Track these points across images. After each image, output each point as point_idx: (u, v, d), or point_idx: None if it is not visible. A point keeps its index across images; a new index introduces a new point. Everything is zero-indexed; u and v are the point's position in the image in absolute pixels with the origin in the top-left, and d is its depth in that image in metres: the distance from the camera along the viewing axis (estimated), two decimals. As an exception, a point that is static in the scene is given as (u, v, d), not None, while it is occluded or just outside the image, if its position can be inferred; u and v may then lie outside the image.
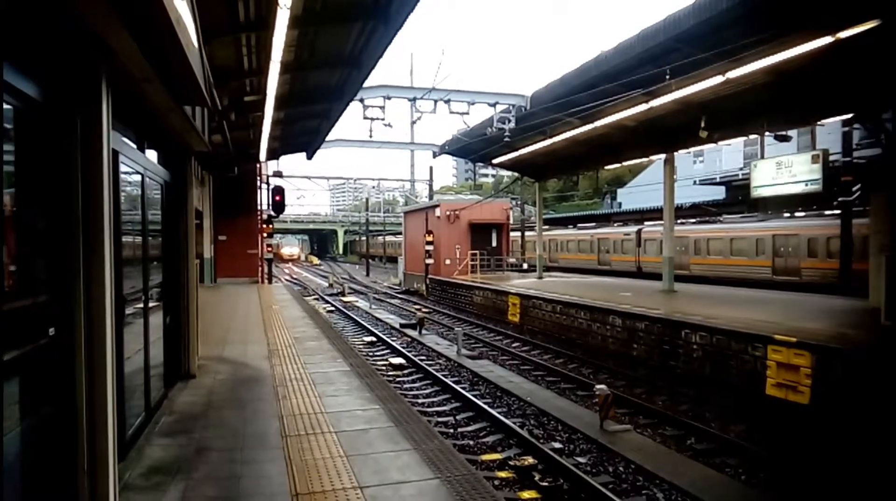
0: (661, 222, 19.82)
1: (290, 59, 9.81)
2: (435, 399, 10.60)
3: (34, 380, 3.08)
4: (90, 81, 3.56)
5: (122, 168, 4.70)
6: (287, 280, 39.65)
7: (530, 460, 7.51)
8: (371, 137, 18.76)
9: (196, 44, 4.35)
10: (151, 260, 6.04)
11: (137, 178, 5.46)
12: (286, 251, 79.47)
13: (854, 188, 17.13)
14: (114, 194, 4.00)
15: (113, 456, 3.68)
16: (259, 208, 25.90)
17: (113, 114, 3.82)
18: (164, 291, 6.81)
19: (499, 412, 9.37)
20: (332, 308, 24.05)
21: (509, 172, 38.28)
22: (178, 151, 7.43)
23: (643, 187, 38.92)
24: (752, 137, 19.55)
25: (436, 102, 16.33)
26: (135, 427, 5.27)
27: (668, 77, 11.60)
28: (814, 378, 9.21)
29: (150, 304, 5.88)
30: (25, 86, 2.88)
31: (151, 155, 6.22)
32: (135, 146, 5.36)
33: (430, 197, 42.85)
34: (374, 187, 70.39)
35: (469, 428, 8.99)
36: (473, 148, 22.23)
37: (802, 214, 22.86)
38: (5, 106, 2.66)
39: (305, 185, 67.09)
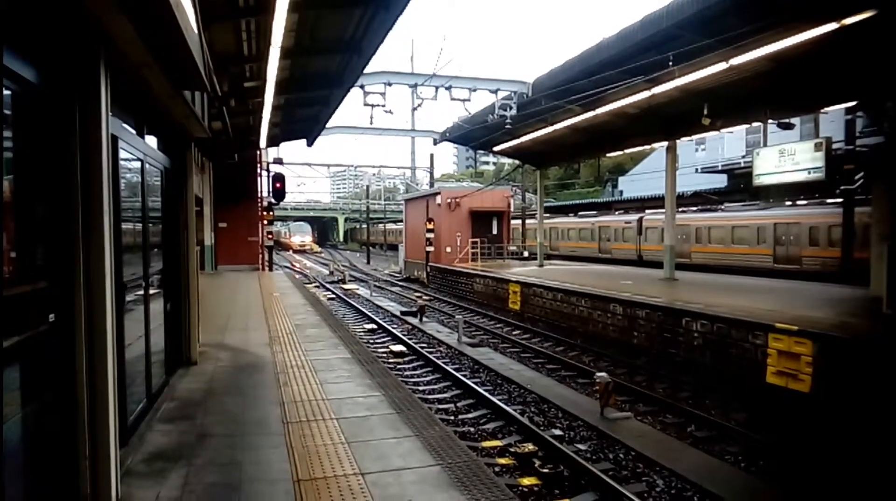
0: (663, 210, 19.78)
1: (291, 44, 9.72)
2: (436, 387, 10.62)
3: (34, 366, 3.08)
4: (89, 66, 3.53)
5: (122, 154, 4.66)
6: (287, 268, 39.66)
7: (531, 447, 7.53)
8: (372, 123, 18.68)
9: (195, 28, 4.31)
10: (152, 247, 6.03)
11: (137, 164, 5.43)
12: (297, 240, 69.10)
13: (856, 177, 17.06)
14: (113, 180, 3.97)
15: (114, 443, 3.69)
16: (259, 195, 25.85)
17: (112, 99, 3.79)
18: (165, 278, 6.80)
19: (499, 400, 9.39)
20: (333, 296, 24.07)
21: (510, 160, 38.16)
22: (178, 137, 7.39)
23: (644, 175, 38.81)
24: (755, 124, 19.43)
25: (437, 88, 16.21)
26: (136, 414, 5.28)
27: (670, 64, 11.51)
28: (815, 367, 9.22)
29: (151, 291, 5.87)
30: (24, 70, 2.85)
31: (151, 141, 6.18)
32: (134, 132, 5.33)
33: (431, 185, 42.74)
34: (374, 175, 69.26)
35: (470, 415, 9.02)
36: (474, 135, 22.14)
37: (804, 202, 22.80)
38: (4, 91, 2.64)
39: (306, 172, 64.35)
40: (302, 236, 71.40)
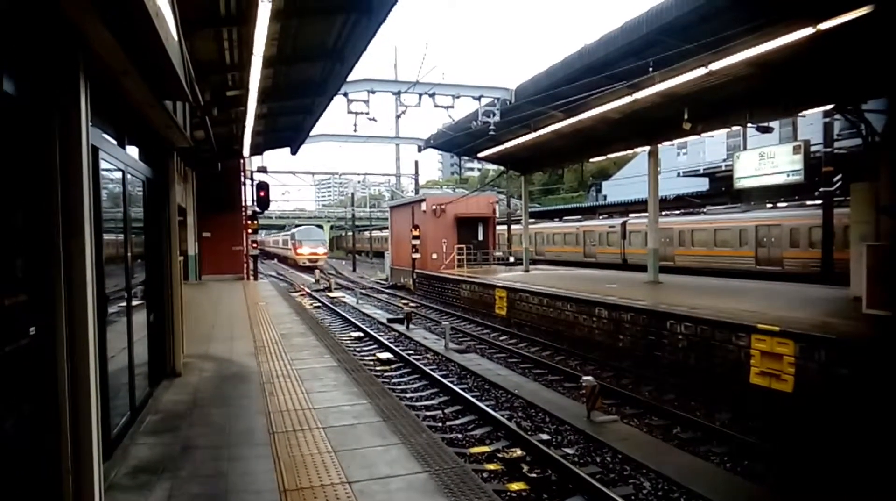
0: (646, 214, 19.96)
1: (273, 53, 9.72)
2: (423, 394, 10.60)
3: (15, 380, 3.04)
4: (68, 76, 3.50)
5: (103, 165, 4.63)
6: (272, 276, 39.41)
7: (518, 452, 7.53)
8: (356, 131, 18.61)
9: (176, 37, 4.29)
10: (134, 258, 5.97)
11: (118, 175, 5.38)
12: (306, 251, 50.15)
13: (835, 179, 17.33)
14: (94, 191, 3.94)
15: (97, 456, 3.64)
16: (243, 204, 25.71)
17: (92, 109, 3.75)
18: (148, 289, 6.74)
19: (487, 405, 9.39)
20: (319, 304, 23.95)
21: (495, 166, 38.31)
22: (160, 147, 7.34)
23: (628, 180, 39.19)
24: (735, 128, 19.69)
25: (420, 95, 16.21)
26: (120, 426, 5.22)
27: (651, 69, 11.64)
28: (797, 367, 9.33)
29: (134, 302, 5.82)
30: (2, 81, 2.82)
31: (132, 151, 6.13)
32: (115, 142, 5.29)
33: (416, 191, 42.77)
34: (359, 182, 68.39)
35: (457, 422, 9.01)
36: (459, 142, 22.19)
37: (784, 204, 23.11)
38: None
39: (290, 180, 62.69)
40: (314, 244, 51.10)
